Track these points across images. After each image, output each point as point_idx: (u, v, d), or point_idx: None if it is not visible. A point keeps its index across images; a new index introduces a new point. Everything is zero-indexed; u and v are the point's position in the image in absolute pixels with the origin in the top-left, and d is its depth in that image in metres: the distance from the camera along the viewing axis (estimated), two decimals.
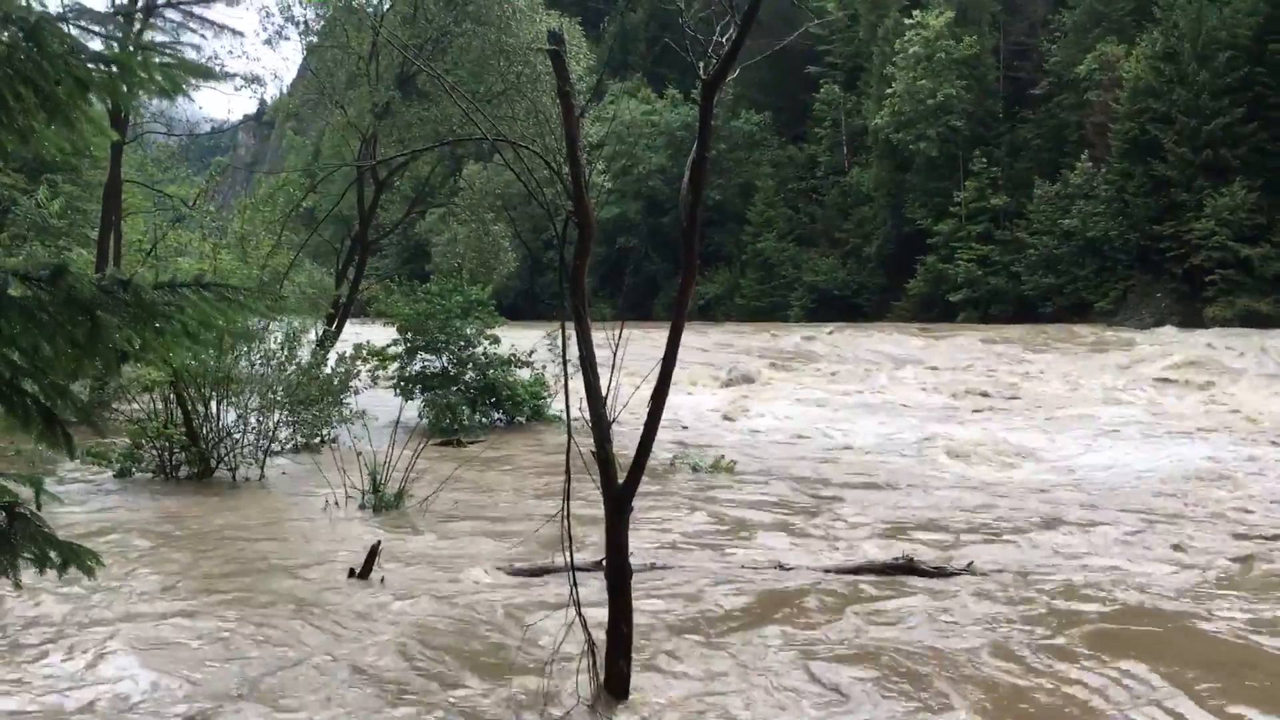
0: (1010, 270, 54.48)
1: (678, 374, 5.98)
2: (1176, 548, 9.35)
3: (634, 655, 5.75)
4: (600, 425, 5.72)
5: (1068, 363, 27.84)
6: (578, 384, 5.53)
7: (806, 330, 41.80)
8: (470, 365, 17.85)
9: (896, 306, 59.23)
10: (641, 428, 5.60)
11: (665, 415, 5.71)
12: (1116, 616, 7.16)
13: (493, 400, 17.88)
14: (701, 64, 5.62)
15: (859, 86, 67.16)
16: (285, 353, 13.39)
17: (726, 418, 20.11)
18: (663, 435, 6.55)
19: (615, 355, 5.89)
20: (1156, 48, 48.64)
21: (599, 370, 5.64)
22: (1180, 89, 46.88)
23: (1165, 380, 23.62)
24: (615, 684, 5.61)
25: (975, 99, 58.83)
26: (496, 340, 18.37)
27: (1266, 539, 9.74)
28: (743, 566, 8.55)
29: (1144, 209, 48.22)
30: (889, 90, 59.72)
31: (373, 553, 8.10)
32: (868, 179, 64.10)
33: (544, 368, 18.32)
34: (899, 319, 55.78)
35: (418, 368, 17.95)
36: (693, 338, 33.38)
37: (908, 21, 60.26)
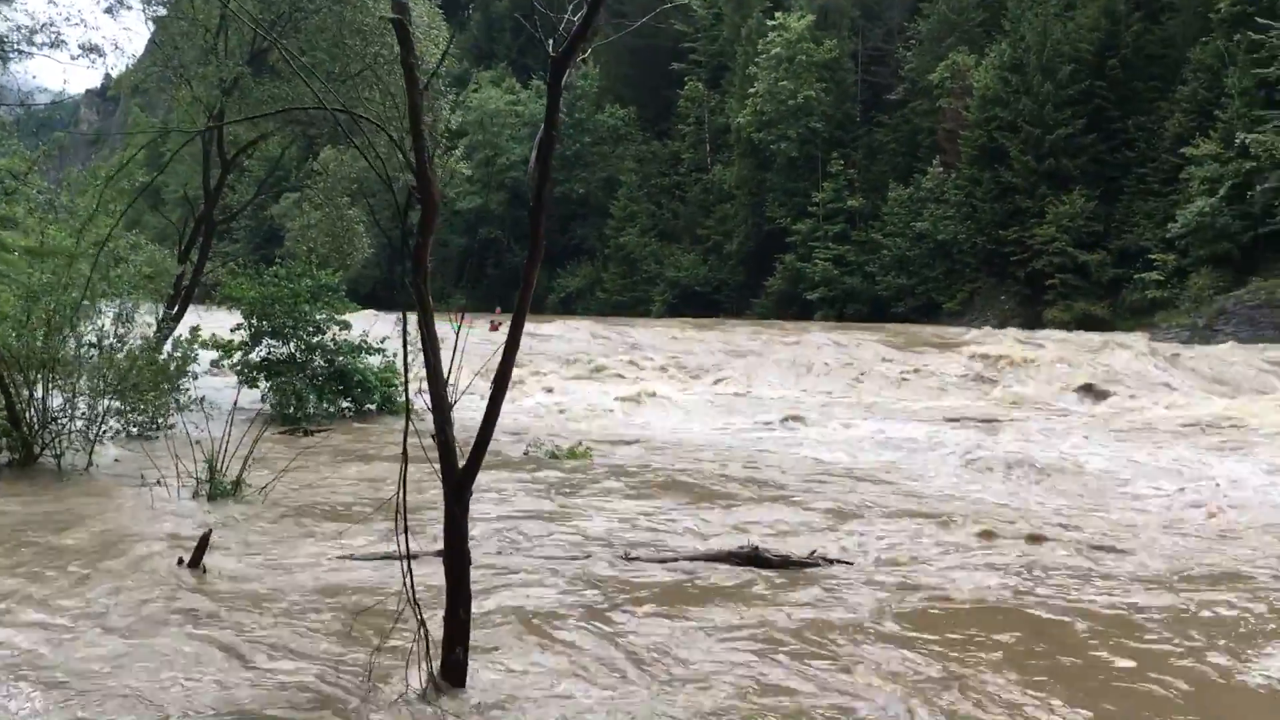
0: (865, 270, 55.90)
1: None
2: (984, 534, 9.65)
3: (474, 644, 5.61)
4: (441, 409, 5.57)
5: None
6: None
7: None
8: (318, 352, 17.33)
9: (755, 304, 60.16)
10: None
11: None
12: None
13: (341, 388, 17.39)
14: (551, 41, 5.54)
15: (722, 85, 67.94)
16: (116, 334, 12.73)
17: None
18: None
19: (457, 339, 5.78)
20: (1004, 59, 50.58)
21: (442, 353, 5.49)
22: (1026, 99, 48.84)
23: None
24: (451, 672, 5.45)
25: (834, 102, 60.16)
26: (347, 326, 17.88)
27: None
28: (589, 555, 8.47)
29: (990, 214, 50.09)
30: (751, 90, 60.56)
31: (204, 541, 7.74)
32: (730, 177, 64.90)
33: (395, 355, 17.92)
34: (758, 316, 56.67)
35: (263, 354, 17.33)
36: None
37: (770, 23, 61.21)
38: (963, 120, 52.10)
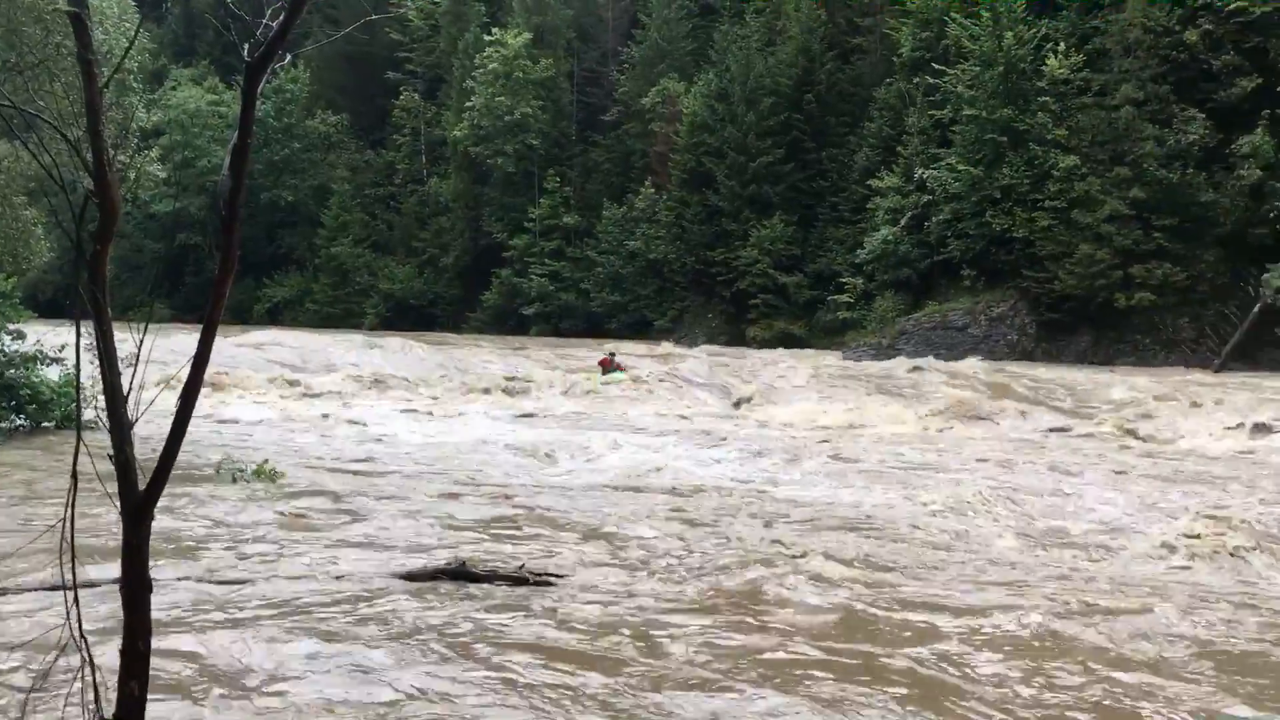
0: (580, 287, 56.91)
1: None
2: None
3: (155, 677, 5.28)
4: (120, 426, 5.23)
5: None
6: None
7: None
8: None
9: (472, 318, 59.96)
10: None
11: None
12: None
13: (13, 403, 15.93)
14: (247, 46, 5.35)
15: (439, 97, 67.38)
16: None
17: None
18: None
19: (140, 352, 5.43)
20: (711, 88, 52.93)
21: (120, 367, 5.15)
22: (731, 127, 51.30)
23: None
24: (127, 709, 5.11)
25: (551, 120, 60.98)
26: (20, 336, 16.41)
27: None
28: (298, 577, 8.16)
29: (699, 235, 52.20)
30: (469, 104, 60.44)
31: None
32: (447, 189, 64.44)
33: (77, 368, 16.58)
34: (474, 330, 56.48)
35: None
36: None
37: (487, 38, 61.31)
38: (673, 144, 54.05)
